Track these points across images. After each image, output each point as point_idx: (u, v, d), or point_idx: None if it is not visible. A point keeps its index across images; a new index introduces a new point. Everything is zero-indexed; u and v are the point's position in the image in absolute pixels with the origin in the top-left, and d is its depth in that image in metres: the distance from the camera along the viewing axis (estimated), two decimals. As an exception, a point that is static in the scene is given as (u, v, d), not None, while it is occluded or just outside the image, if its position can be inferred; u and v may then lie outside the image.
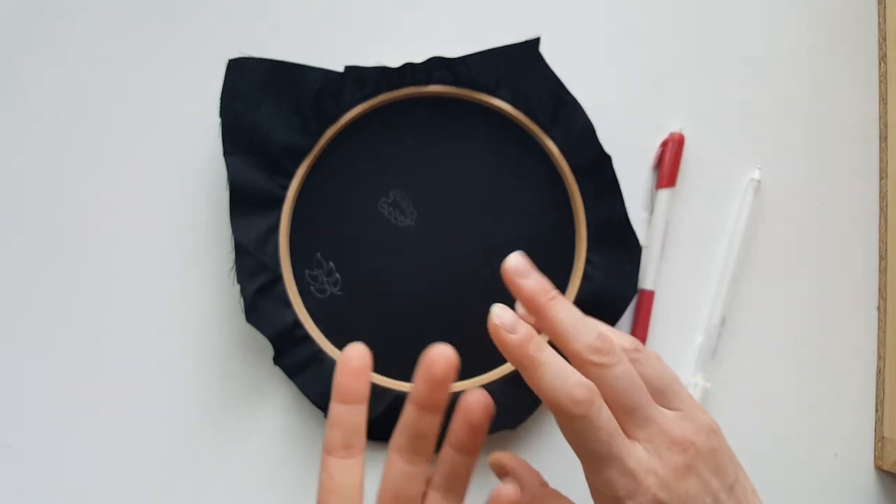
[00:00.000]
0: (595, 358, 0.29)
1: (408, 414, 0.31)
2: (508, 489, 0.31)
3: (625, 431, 0.30)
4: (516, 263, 0.31)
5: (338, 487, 0.30)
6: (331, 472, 0.30)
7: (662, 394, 0.31)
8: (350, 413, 0.30)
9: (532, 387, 0.30)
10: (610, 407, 0.29)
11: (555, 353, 0.29)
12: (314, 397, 0.42)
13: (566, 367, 0.29)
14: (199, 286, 0.44)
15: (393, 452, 0.31)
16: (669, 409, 0.31)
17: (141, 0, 0.45)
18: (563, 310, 0.30)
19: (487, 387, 0.43)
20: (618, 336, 0.32)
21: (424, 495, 0.32)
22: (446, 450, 0.32)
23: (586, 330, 0.30)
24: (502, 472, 0.35)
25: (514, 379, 0.43)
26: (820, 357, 0.47)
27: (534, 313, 0.31)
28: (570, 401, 0.28)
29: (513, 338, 0.29)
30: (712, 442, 0.31)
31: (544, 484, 0.34)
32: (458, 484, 0.32)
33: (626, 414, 0.30)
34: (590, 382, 0.29)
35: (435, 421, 0.31)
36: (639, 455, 0.29)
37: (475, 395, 0.31)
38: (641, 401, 0.30)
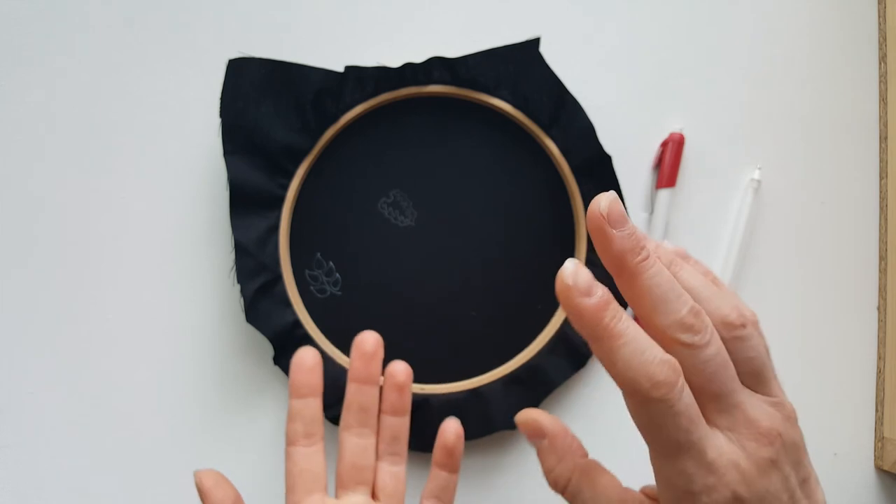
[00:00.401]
0: (684, 337, 0.25)
1: (350, 392, 0.37)
2: (452, 425, 0.37)
3: (706, 417, 0.26)
4: (610, 206, 0.25)
5: (303, 472, 0.35)
6: (295, 460, 0.35)
7: (756, 377, 0.27)
8: (307, 406, 0.36)
9: (603, 362, 0.26)
10: (693, 389, 0.26)
11: (634, 323, 0.25)
12: (314, 397, 0.42)
13: (648, 342, 0.25)
14: (199, 286, 0.44)
15: (343, 432, 0.37)
16: (759, 393, 0.28)
17: (141, 0, 0.45)
18: (656, 275, 0.25)
19: (488, 387, 0.43)
20: (730, 307, 0.27)
21: (376, 467, 0.37)
22: (434, 469, 0.38)
23: (679, 302, 0.26)
24: (536, 435, 0.31)
25: (514, 379, 0.43)
26: (820, 357, 0.47)
27: (619, 275, 0.26)
28: (649, 382, 0.24)
29: (588, 303, 0.25)
30: (795, 432, 0.28)
31: (585, 454, 0.31)
32: (445, 495, 0.38)
33: (710, 399, 0.26)
34: (674, 360, 0.25)
35: (374, 392, 0.37)
36: (720, 445, 0.26)
37: (448, 424, 0.38)
38: (729, 385, 0.26)
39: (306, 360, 0.36)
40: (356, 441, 0.37)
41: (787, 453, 0.27)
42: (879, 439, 0.47)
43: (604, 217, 0.25)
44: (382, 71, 0.43)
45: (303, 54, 0.43)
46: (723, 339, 0.26)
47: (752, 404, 0.27)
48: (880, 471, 0.47)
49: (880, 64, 0.48)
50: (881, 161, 0.48)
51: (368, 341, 0.37)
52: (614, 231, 0.25)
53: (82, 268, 0.44)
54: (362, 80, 0.43)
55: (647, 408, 0.25)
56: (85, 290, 0.44)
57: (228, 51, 0.43)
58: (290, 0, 0.45)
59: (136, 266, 0.44)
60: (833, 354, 0.47)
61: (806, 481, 0.28)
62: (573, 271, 0.25)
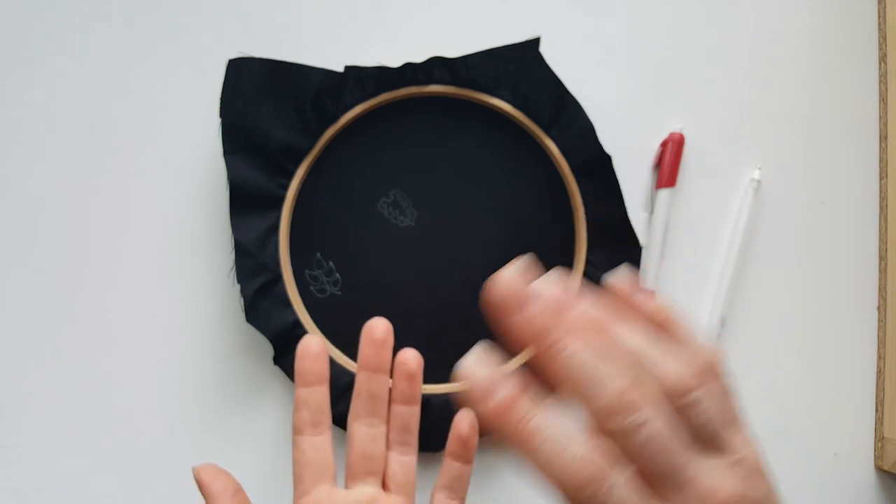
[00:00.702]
0: (613, 424, 0.22)
1: (360, 380, 0.36)
2: (466, 416, 0.37)
3: (658, 495, 0.23)
4: (502, 291, 0.23)
5: (311, 461, 0.35)
6: (303, 449, 0.35)
7: (711, 440, 0.24)
8: (314, 394, 0.35)
9: (525, 462, 0.24)
10: (639, 470, 0.23)
11: (547, 416, 0.22)
12: (314, 397, 0.42)
13: (567, 438, 0.22)
14: (199, 286, 0.44)
15: (353, 421, 0.36)
16: (717, 454, 0.24)
17: (141, 0, 0.45)
18: (572, 357, 0.23)
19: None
20: (675, 371, 0.24)
21: (386, 457, 0.36)
22: (447, 460, 0.37)
23: (602, 384, 0.22)
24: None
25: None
26: (820, 357, 0.47)
27: (533, 359, 0.24)
28: (573, 482, 0.22)
29: (490, 409, 0.22)
30: (759, 486, 0.25)
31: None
32: (459, 486, 0.37)
33: (657, 480, 0.23)
34: (597, 456, 0.22)
35: (384, 381, 0.36)
36: None
37: (462, 415, 0.37)
38: (678, 461, 0.23)
39: (311, 347, 0.35)
40: (366, 430, 0.36)
41: None
42: (879, 439, 0.47)
43: (502, 303, 0.23)
44: (382, 71, 0.43)
45: (303, 54, 0.43)
46: (672, 403, 0.24)
47: (708, 474, 0.24)
48: (880, 471, 0.47)
49: (880, 64, 0.48)
50: (881, 161, 0.48)
51: (378, 328, 0.36)
52: (518, 318, 0.23)
53: (82, 268, 0.44)
54: (362, 80, 0.43)
55: None
56: (85, 290, 0.44)
57: (228, 51, 0.43)
58: (290, 0, 0.45)
59: (136, 266, 0.44)
60: (833, 354, 0.47)
61: None
62: (468, 371, 0.22)
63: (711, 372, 0.25)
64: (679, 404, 0.24)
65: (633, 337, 0.24)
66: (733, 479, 0.24)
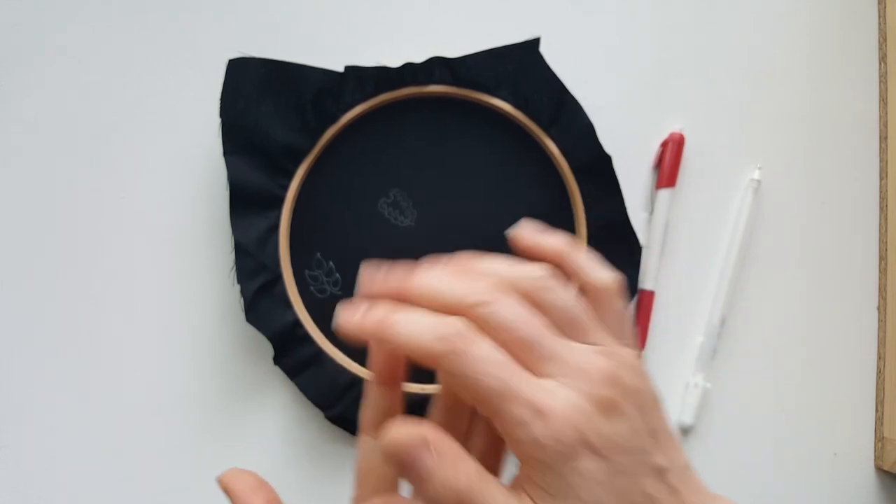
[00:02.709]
0: (468, 302, 0.23)
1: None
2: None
3: (529, 370, 0.23)
4: (366, 283, 0.25)
5: (373, 467, 0.30)
6: (366, 451, 0.30)
7: (573, 326, 0.25)
8: (383, 396, 0.31)
9: (393, 355, 0.26)
10: (504, 347, 0.23)
11: (410, 308, 0.24)
12: (314, 397, 0.42)
13: (425, 314, 0.23)
14: (199, 286, 0.44)
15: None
16: (584, 343, 0.25)
17: (141, 0, 0.45)
18: (426, 278, 0.25)
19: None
20: (515, 267, 0.25)
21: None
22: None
23: (455, 283, 0.24)
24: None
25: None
26: (820, 357, 0.47)
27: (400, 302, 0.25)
28: (432, 340, 0.22)
29: (356, 321, 0.24)
30: (637, 379, 0.25)
31: None
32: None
33: (523, 350, 0.23)
34: (456, 319, 0.23)
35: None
36: (549, 388, 0.23)
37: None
38: (538, 332, 0.23)
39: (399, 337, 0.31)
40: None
41: (629, 397, 0.24)
42: (879, 439, 0.47)
43: (344, 329, 0.25)
44: (382, 71, 0.43)
45: (303, 54, 0.43)
46: (530, 298, 0.24)
47: (577, 350, 0.24)
48: (880, 471, 0.47)
49: (880, 64, 0.48)
50: (881, 161, 0.48)
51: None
52: (370, 288, 0.25)
53: (82, 268, 0.44)
54: (362, 80, 0.43)
55: (444, 367, 0.23)
56: (85, 289, 0.44)
57: (228, 51, 0.43)
58: (290, 0, 0.45)
59: (137, 266, 0.44)
60: (833, 354, 0.47)
61: (656, 432, 0.24)
62: (343, 317, 0.25)
63: (543, 272, 0.25)
64: (536, 289, 0.25)
65: (485, 262, 0.26)
66: (606, 360, 0.24)
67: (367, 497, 0.31)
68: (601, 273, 0.28)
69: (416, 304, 0.24)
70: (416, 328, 0.23)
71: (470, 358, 0.22)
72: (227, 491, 0.30)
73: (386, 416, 0.30)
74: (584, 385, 0.23)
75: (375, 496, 0.31)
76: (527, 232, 0.28)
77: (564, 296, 0.25)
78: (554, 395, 0.22)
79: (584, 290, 0.27)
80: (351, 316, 0.24)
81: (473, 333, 0.23)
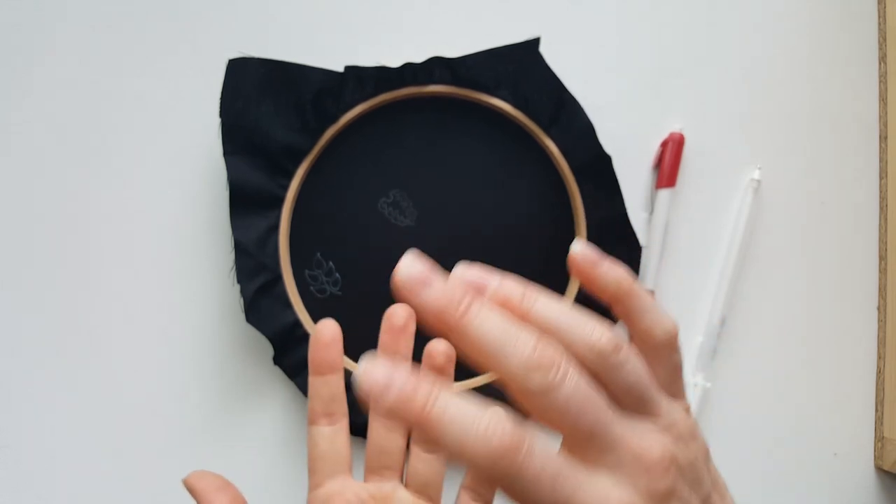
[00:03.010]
0: (532, 383, 0.21)
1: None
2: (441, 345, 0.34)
3: (584, 459, 0.22)
4: (407, 275, 0.22)
5: (324, 454, 0.33)
6: (316, 440, 0.33)
7: (639, 401, 0.24)
8: (326, 383, 0.33)
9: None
10: (562, 432, 0.22)
11: (452, 396, 0.21)
12: (314, 397, 0.42)
13: (471, 413, 0.21)
14: (199, 286, 0.44)
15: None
16: (645, 417, 0.24)
17: (141, 0, 0.45)
18: (483, 324, 0.22)
19: (490, 385, 0.43)
20: (599, 332, 0.23)
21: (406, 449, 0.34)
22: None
23: (516, 344, 0.21)
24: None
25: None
26: (820, 357, 0.47)
27: (448, 337, 0.22)
28: (487, 458, 0.20)
29: (389, 401, 0.20)
30: (690, 450, 0.24)
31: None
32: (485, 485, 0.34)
33: (585, 440, 0.22)
34: (509, 425, 0.21)
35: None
36: (604, 489, 0.22)
37: None
38: (603, 419, 0.22)
39: (324, 334, 0.33)
40: (383, 423, 0.34)
41: (684, 477, 0.24)
42: (879, 439, 0.47)
43: (402, 285, 0.22)
44: (382, 71, 0.43)
45: (303, 54, 0.43)
46: (594, 369, 0.23)
47: (638, 434, 0.23)
48: (880, 471, 0.47)
49: (880, 64, 0.48)
50: (881, 161, 0.48)
51: (399, 314, 0.34)
52: (421, 297, 0.22)
53: (82, 268, 0.44)
54: (362, 80, 0.43)
55: (501, 481, 0.21)
56: (85, 289, 0.44)
57: (228, 51, 0.43)
58: (290, 0, 0.45)
59: (136, 266, 0.44)
60: (833, 354, 0.47)
61: (708, 498, 0.25)
62: (364, 373, 0.20)
63: (618, 342, 0.23)
64: (605, 364, 0.23)
65: (550, 307, 0.23)
66: (664, 440, 0.23)
67: (322, 483, 0.33)
68: (665, 323, 0.25)
69: (474, 355, 0.22)
70: (470, 435, 0.20)
71: (527, 476, 0.21)
72: (191, 491, 0.32)
73: (331, 403, 0.33)
74: (640, 480, 0.22)
75: (330, 480, 0.33)
76: (590, 256, 0.26)
77: (635, 371, 0.23)
78: (606, 496, 0.22)
79: (641, 337, 0.25)
80: (376, 378, 0.20)
81: (529, 441, 0.21)
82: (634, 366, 0.24)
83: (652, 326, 0.25)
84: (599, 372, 0.23)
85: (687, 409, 0.26)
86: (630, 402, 0.23)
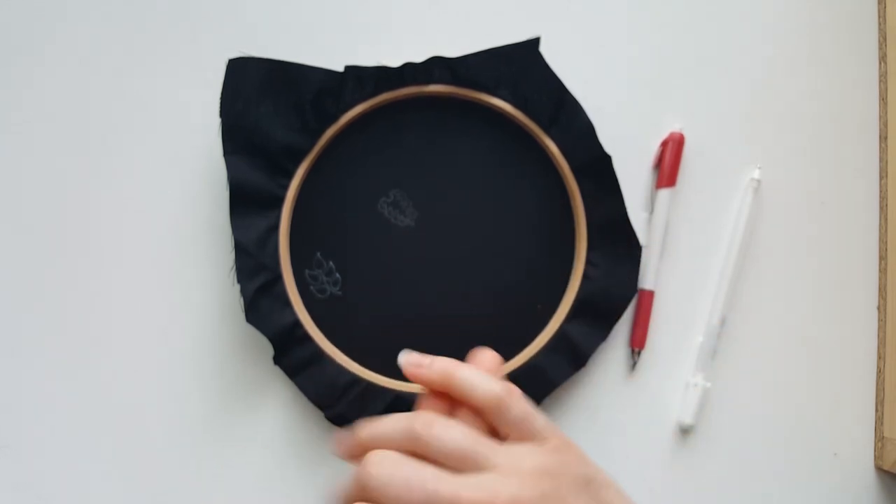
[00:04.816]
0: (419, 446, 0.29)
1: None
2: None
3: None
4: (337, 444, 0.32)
5: None
6: None
7: (461, 462, 0.28)
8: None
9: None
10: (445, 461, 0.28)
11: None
12: (314, 397, 0.42)
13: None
14: (199, 286, 0.44)
15: None
16: (479, 472, 0.28)
17: (141, 0, 0.45)
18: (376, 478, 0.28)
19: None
20: (403, 423, 0.29)
21: None
22: None
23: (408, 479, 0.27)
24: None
25: (514, 379, 0.43)
26: (820, 357, 0.47)
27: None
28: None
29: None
30: (546, 483, 0.28)
31: None
32: None
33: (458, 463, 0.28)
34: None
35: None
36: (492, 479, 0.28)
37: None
38: (430, 489, 0.27)
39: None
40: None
41: (560, 479, 0.28)
42: (879, 439, 0.47)
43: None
44: (382, 71, 0.43)
45: (303, 54, 0.43)
46: (412, 448, 0.28)
47: (471, 489, 0.27)
48: (880, 471, 0.47)
49: (880, 64, 0.48)
50: (881, 161, 0.48)
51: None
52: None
53: (82, 268, 0.44)
54: (362, 79, 0.43)
55: None
56: (84, 290, 0.44)
57: (228, 51, 0.43)
58: (290, 0, 0.45)
59: (136, 266, 0.44)
60: (833, 354, 0.47)
61: (589, 484, 0.29)
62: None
63: (499, 403, 0.30)
64: (419, 443, 0.28)
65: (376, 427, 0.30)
66: (507, 483, 0.27)
67: None
68: (485, 387, 0.30)
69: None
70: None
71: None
72: None
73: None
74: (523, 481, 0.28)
75: None
76: (413, 360, 0.31)
77: (451, 439, 0.28)
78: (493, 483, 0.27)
79: (477, 408, 0.30)
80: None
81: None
82: (446, 432, 0.29)
83: (481, 397, 0.30)
84: (420, 452, 0.28)
85: (555, 446, 0.30)
86: (454, 464, 0.28)
